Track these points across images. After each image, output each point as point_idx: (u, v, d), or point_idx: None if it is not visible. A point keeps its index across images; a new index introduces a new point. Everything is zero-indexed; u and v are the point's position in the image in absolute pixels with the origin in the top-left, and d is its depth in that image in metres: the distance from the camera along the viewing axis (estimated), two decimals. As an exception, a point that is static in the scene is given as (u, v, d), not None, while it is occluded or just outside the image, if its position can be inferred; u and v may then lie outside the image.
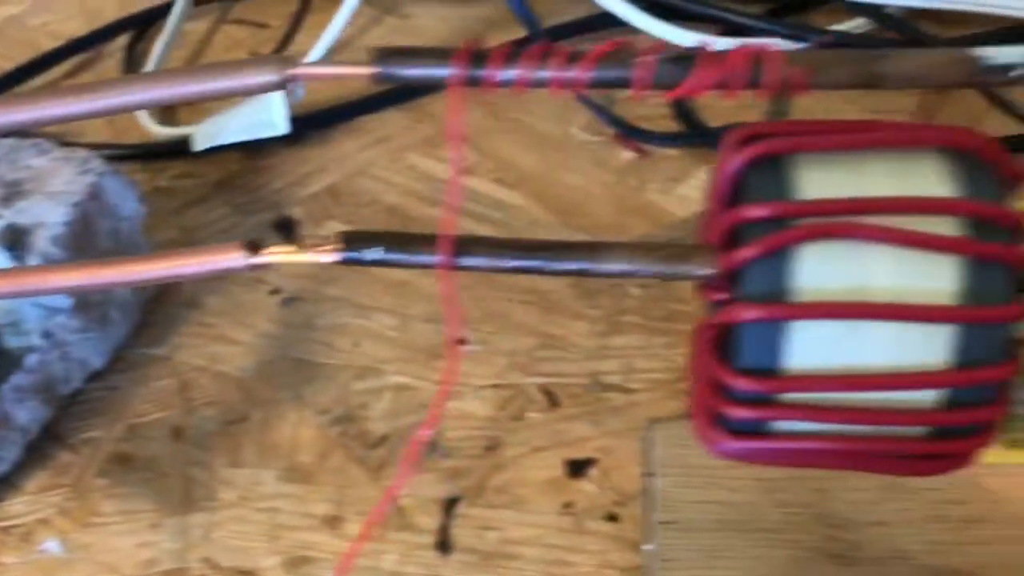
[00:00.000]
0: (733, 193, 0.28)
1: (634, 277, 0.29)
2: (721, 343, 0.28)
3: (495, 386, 0.51)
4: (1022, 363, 0.26)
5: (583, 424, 0.48)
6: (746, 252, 0.26)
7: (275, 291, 0.55)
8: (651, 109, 0.61)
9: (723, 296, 0.30)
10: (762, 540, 0.36)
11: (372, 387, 0.51)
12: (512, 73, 0.28)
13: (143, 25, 0.69)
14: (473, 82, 0.28)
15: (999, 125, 0.58)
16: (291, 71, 0.28)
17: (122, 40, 0.69)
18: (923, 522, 0.36)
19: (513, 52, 0.28)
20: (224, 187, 0.61)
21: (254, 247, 0.30)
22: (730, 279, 0.27)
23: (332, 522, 0.46)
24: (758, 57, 0.28)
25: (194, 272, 0.30)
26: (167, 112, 0.65)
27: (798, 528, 0.36)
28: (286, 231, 0.58)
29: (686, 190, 0.57)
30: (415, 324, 0.53)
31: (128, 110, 0.31)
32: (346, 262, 0.30)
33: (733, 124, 0.59)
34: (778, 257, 0.26)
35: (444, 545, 0.45)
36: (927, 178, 0.26)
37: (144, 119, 0.62)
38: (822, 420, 0.27)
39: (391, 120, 0.63)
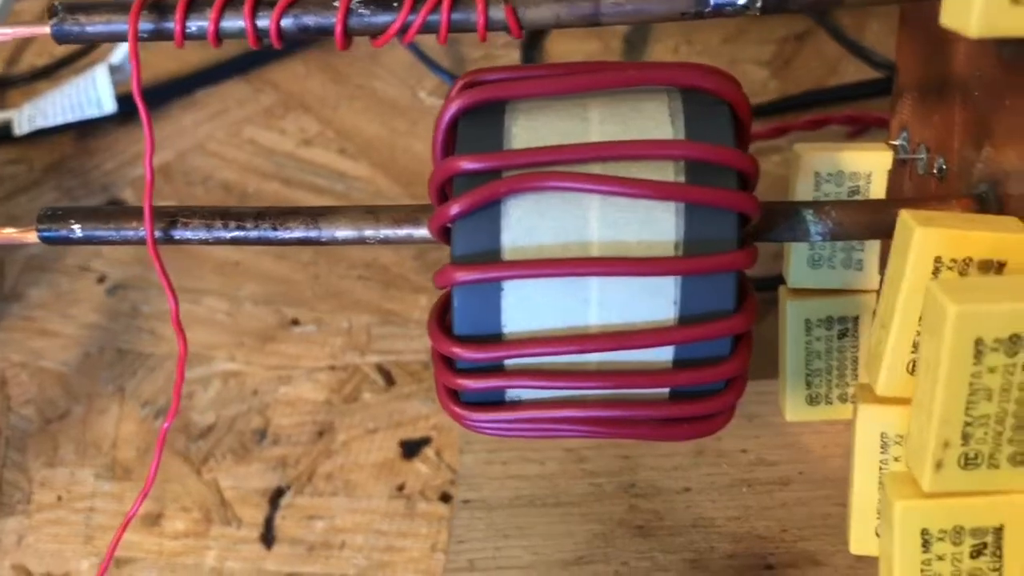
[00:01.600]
0: (451, 144, 0.25)
1: (363, 244, 0.27)
2: (445, 312, 0.25)
3: (330, 368, 0.48)
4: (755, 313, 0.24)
5: (419, 402, 0.46)
6: (452, 208, 0.23)
7: (101, 279, 0.52)
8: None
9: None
10: (562, 515, 0.33)
11: (199, 375, 0.48)
12: (200, 23, 0.25)
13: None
14: (157, 36, 0.26)
15: (855, 71, 0.56)
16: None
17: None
18: (730, 487, 0.34)
19: None
20: (54, 171, 0.57)
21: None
22: (448, 239, 0.25)
23: (151, 519, 0.44)
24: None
25: None
26: (-5, 96, 0.62)
27: (602, 500, 0.34)
28: (120, 215, 0.55)
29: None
30: (246, 306, 0.51)
31: None
32: (48, 241, 0.27)
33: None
34: (485, 213, 0.23)
35: (268, 538, 0.43)
36: (648, 121, 0.24)
37: (-32, 105, 0.59)
38: (553, 385, 0.24)
39: (230, 91, 0.60)
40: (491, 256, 0.23)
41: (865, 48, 0.56)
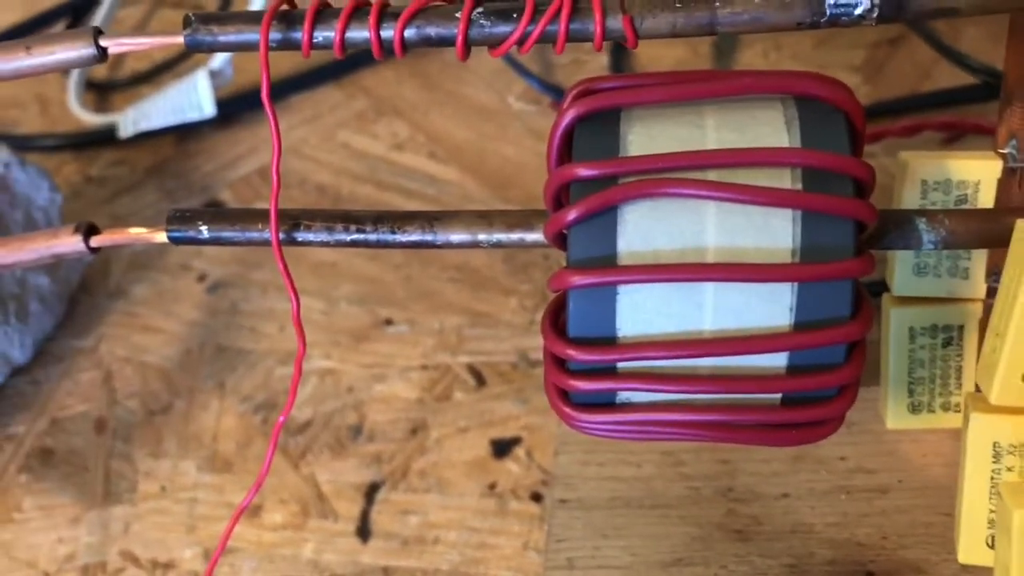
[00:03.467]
0: (566, 152, 0.26)
1: (478, 247, 0.27)
2: (559, 314, 0.26)
3: (422, 367, 0.49)
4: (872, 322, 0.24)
5: (509, 403, 0.47)
6: (569, 214, 0.24)
7: (202, 277, 0.54)
8: (590, 74, 0.59)
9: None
10: (660, 517, 0.34)
11: (296, 372, 0.50)
12: (327, 34, 0.26)
13: (79, 12, 0.68)
14: (287, 45, 0.27)
15: (949, 77, 0.56)
16: (103, 42, 0.27)
17: (60, 28, 0.68)
18: (829, 494, 0.34)
19: (325, 10, 0.26)
20: (155, 173, 0.59)
21: (90, 230, 0.29)
22: (563, 244, 0.26)
23: (251, 511, 0.45)
24: (583, 7, 0.26)
25: (27, 259, 0.29)
26: (100, 99, 0.64)
27: (700, 503, 0.34)
28: (218, 216, 0.56)
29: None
30: (341, 306, 0.52)
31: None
32: (176, 241, 0.28)
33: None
34: (602, 218, 0.24)
35: (364, 531, 0.44)
36: (765, 128, 0.24)
37: (75, 107, 0.61)
38: (665, 389, 0.25)
39: (324, 97, 0.61)
40: (607, 261, 0.24)
41: (960, 53, 0.55)
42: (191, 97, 0.57)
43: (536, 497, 0.44)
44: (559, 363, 0.25)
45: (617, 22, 0.25)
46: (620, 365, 0.25)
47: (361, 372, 0.49)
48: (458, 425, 0.47)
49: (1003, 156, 0.32)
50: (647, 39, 0.26)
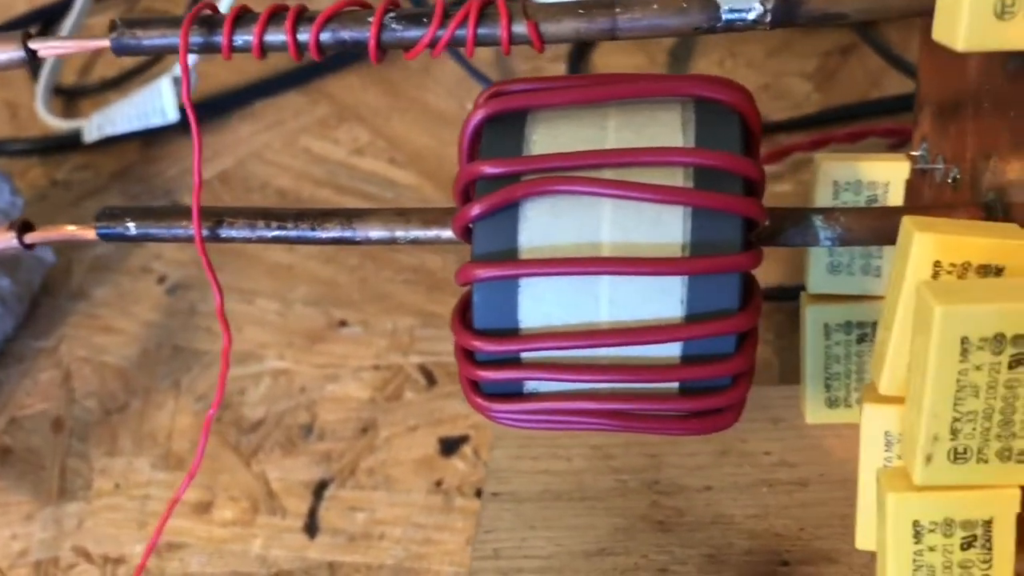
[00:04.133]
0: (475, 150, 0.27)
1: (395, 244, 0.28)
2: (467, 308, 0.27)
3: (374, 367, 0.50)
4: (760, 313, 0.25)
5: (458, 402, 0.48)
6: (473, 210, 0.25)
7: (162, 279, 0.55)
8: (544, 67, 0.60)
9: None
10: (587, 508, 0.35)
11: (250, 372, 0.51)
12: (246, 37, 0.27)
13: (51, 17, 0.69)
14: (207, 48, 0.28)
15: (898, 85, 0.57)
16: (33, 45, 0.28)
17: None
18: (752, 486, 0.35)
19: (244, 14, 0.27)
20: (120, 177, 0.60)
21: (24, 227, 0.30)
22: (469, 239, 0.27)
23: (202, 507, 0.46)
24: (490, 12, 0.27)
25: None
26: (69, 105, 0.65)
27: (626, 495, 0.35)
28: (181, 220, 0.57)
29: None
30: (297, 307, 0.53)
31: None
32: (105, 238, 0.29)
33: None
34: (504, 214, 0.25)
35: (311, 527, 0.45)
36: (662, 128, 0.26)
37: (43, 113, 0.62)
38: (567, 378, 0.26)
39: (287, 103, 0.62)
40: (509, 254, 0.25)
41: (908, 62, 0.57)
42: (155, 103, 0.58)
43: (481, 493, 0.45)
44: (468, 355, 0.26)
45: (522, 27, 0.26)
46: (523, 355, 0.26)
47: (314, 372, 0.50)
48: (407, 424, 0.48)
49: (914, 158, 0.33)
50: (552, 43, 0.27)
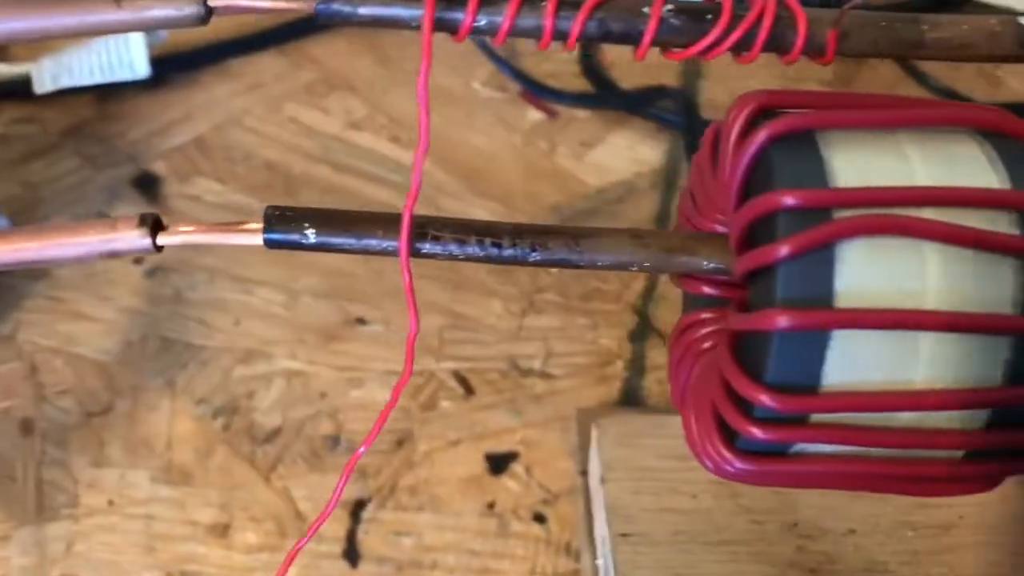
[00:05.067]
0: (749, 174, 0.23)
1: (626, 270, 0.25)
2: (739, 350, 0.24)
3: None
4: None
5: (502, 414, 0.44)
6: (782, 248, 0.22)
7: (138, 259, 0.48)
8: (558, 65, 0.56)
9: (731, 294, 0.26)
10: (730, 553, 0.32)
11: (259, 373, 0.45)
12: (493, 18, 0.22)
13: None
14: (444, 26, 0.23)
15: (914, 95, 0.57)
16: (210, 2, 0.22)
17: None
18: (895, 529, 0.33)
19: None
20: (73, 135, 0.52)
21: (156, 224, 0.24)
22: (750, 277, 0.23)
23: (219, 530, 0.40)
24: (783, 15, 0.23)
25: (72, 257, 0.24)
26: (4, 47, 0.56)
27: (767, 538, 0.33)
28: (148, 188, 0.50)
29: (599, 156, 0.53)
30: (305, 300, 0.47)
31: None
32: (274, 245, 0.24)
33: (649, 86, 0.56)
34: (819, 256, 0.22)
35: (352, 554, 0.40)
36: (970, 165, 0.23)
37: (-27, 53, 0.53)
38: (854, 443, 0.23)
39: (266, 64, 0.56)
40: (822, 302, 0.22)
41: (923, 73, 0.56)
42: (122, 55, 0.51)
43: (539, 518, 0.41)
44: (742, 406, 0.23)
45: (823, 37, 0.23)
46: (814, 417, 0.23)
47: (334, 375, 0.45)
48: (448, 437, 0.43)
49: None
50: (853, 57, 0.24)
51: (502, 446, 0.43)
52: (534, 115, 0.54)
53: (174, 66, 0.54)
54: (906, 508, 0.34)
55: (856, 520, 0.33)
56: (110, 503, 0.41)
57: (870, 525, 0.33)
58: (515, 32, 0.23)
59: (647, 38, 0.23)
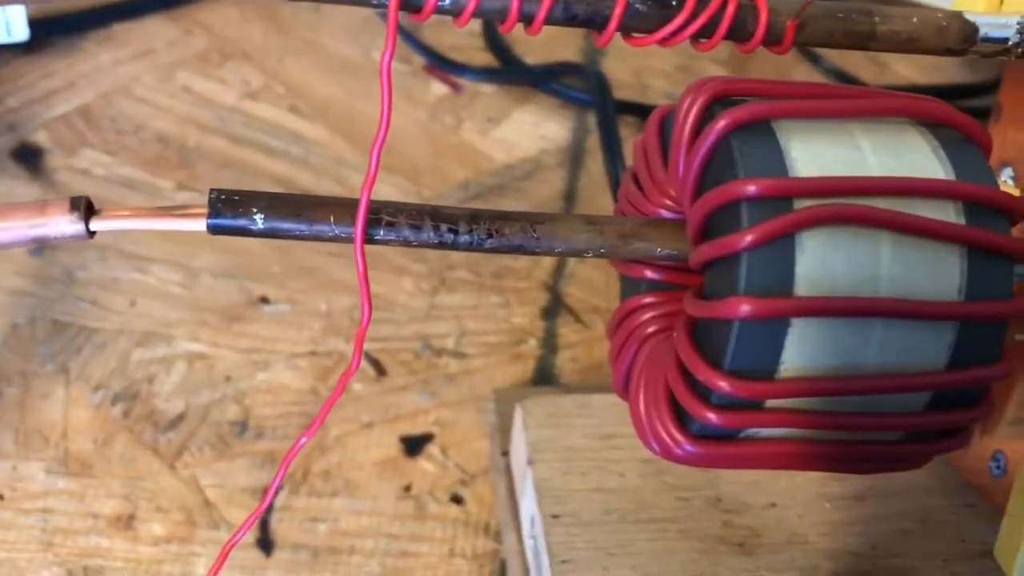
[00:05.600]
0: (708, 163, 0.23)
1: (580, 256, 0.24)
2: (696, 336, 0.24)
3: (311, 353, 0.44)
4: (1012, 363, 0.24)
5: (416, 395, 0.43)
6: (745, 237, 0.22)
7: (24, 237, 0.45)
8: (461, 38, 0.56)
9: (680, 279, 0.26)
10: (660, 531, 0.33)
11: (159, 356, 0.43)
12: None
13: None
14: (408, 5, 0.22)
15: (807, 78, 0.58)
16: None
17: None
18: (812, 501, 0.34)
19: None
20: (-59, 103, 0.49)
21: (88, 208, 0.22)
22: (709, 265, 0.23)
23: (123, 522, 0.39)
24: (745, 3, 0.23)
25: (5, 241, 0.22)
26: None
27: (693, 515, 0.33)
28: (30, 161, 0.47)
29: (505, 132, 0.52)
30: (204, 279, 0.45)
31: None
32: (218, 230, 0.23)
33: (555, 62, 0.56)
34: (781, 245, 0.22)
35: (265, 543, 0.39)
36: (916, 155, 0.24)
37: None
38: (805, 426, 0.24)
39: (154, 29, 0.53)
40: (783, 290, 0.22)
41: (816, 55, 0.58)
42: (-2, 15, 0.47)
43: (456, 499, 0.41)
44: (699, 392, 0.23)
45: (782, 26, 0.23)
46: (770, 402, 0.23)
47: (239, 358, 0.43)
48: (361, 420, 0.42)
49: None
50: (808, 46, 0.24)
51: (417, 428, 0.42)
52: (438, 89, 0.53)
53: (54, 29, 0.51)
54: (821, 481, 0.35)
55: (776, 494, 0.34)
56: (1, 498, 0.38)
57: (789, 498, 0.34)
58: (479, 13, 0.22)
59: (613, 23, 0.22)
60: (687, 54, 0.58)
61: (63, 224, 0.22)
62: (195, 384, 0.42)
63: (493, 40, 0.54)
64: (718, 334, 0.23)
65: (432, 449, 0.42)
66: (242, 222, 0.23)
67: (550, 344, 0.45)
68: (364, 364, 0.44)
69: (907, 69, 0.58)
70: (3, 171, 0.46)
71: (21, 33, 0.48)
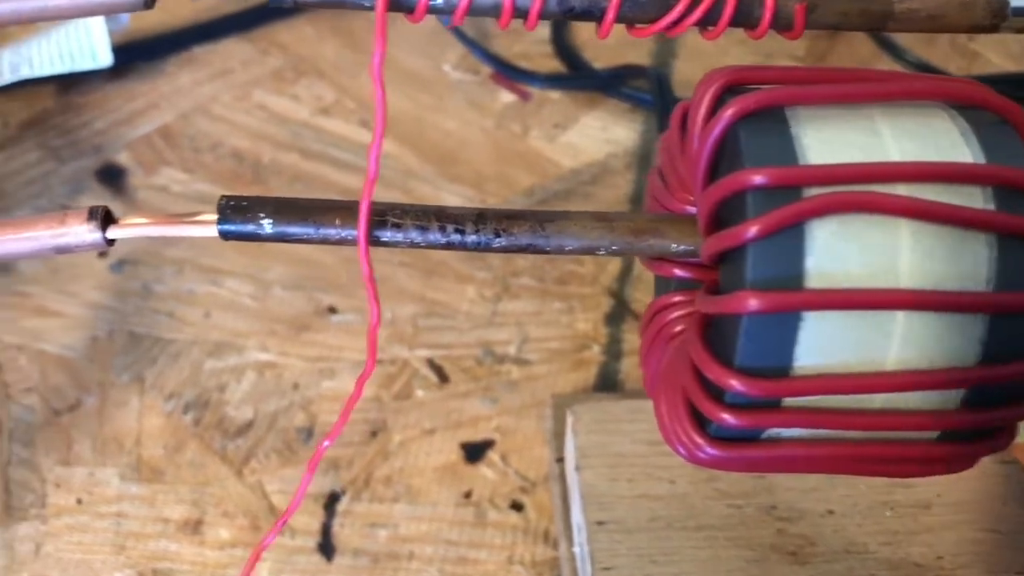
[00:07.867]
0: (717, 153, 0.23)
1: (593, 254, 0.24)
2: (709, 334, 0.23)
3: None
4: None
5: (477, 402, 0.43)
6: (749, 230, 0.21)
7: (104, 252, 0.47)
8: (529, 46, 0.56)
9: (702, 276, 0.25)
10: (708, 539, 0.32)
11: (230, 366, 0.44)
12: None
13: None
14: (399, 6, 0.22)
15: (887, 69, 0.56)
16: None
17: None
18: (873, 509, 0.33)
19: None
20: (35, 127, 0.51)
21: (107, 217, 0.23)
22: (720, 258, 0.23)
23: (191, 526, 0.40)
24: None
25: (21, 252, 0.23)
26: (-43, 37, 0.54)
27: (745, 522, 0.32)
28: (113, 180, 0.49)
29: (572, 137, 0.52)
30: (275, 290, 0.46)
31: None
32: (229, 236, 0.23)
33: (622, 65, 0.55)
34: (789, 235, 0.21)
35: (327, 547, 0.39)
36: (942, 139, 0.22)
37: (-72, 45, 0.52)
38: (828, 426, 0.23)
39: (232, 50, 0.55)
40: (793, 283, 0.21)
41: (899, 47, 0.56)
42: (82, 43, 0.49)
43: (516, 506, 0.41)
44: (712, 392, 0.22)
45: (790, 8, 0.23)
46: (786, 400, 0.22)
47: (306, 366, 0.44)
48: (423, 427, 0.43)
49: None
50: (815, 28, 0.23)
51: (478, 434, 0.42)
52: (506, 97, 0.53)
53: (137, 54, 0.53)
54: (884, 488, 0.33)
55: (834, 501, 0.33)
56: (79, 502, 0.40)
57: (848, 506, 0.33)
58: (473, 11, 0.22)
59: (610, 14, 0.22)
60: (763, 51, 0.56)
61: (82, 233, 0.23)
62: (264, 392, 0.43)
63: (561, 46, 0.54)
64: (728, 331, 0.22)
65: (493, 456, 0.42)
66: (250, 227, 0.23)
67: (614, 350, 0.44)
68: (426, 371, 0.44)
69: (999, 57, 0.56)
70: (88, 191, 0.49)
71: (106, 59, 0.50)
